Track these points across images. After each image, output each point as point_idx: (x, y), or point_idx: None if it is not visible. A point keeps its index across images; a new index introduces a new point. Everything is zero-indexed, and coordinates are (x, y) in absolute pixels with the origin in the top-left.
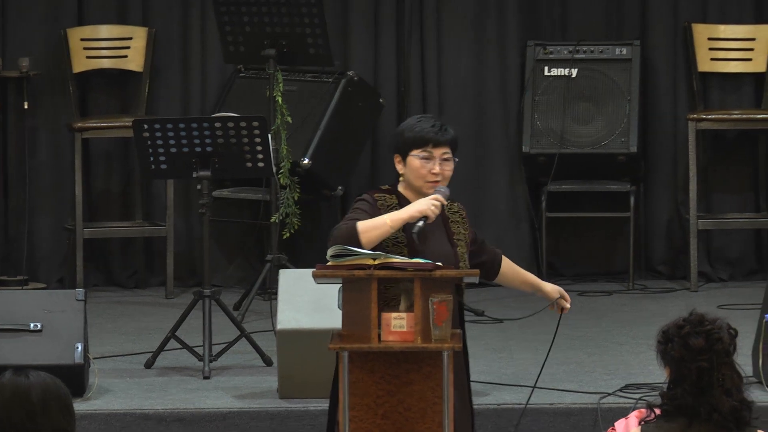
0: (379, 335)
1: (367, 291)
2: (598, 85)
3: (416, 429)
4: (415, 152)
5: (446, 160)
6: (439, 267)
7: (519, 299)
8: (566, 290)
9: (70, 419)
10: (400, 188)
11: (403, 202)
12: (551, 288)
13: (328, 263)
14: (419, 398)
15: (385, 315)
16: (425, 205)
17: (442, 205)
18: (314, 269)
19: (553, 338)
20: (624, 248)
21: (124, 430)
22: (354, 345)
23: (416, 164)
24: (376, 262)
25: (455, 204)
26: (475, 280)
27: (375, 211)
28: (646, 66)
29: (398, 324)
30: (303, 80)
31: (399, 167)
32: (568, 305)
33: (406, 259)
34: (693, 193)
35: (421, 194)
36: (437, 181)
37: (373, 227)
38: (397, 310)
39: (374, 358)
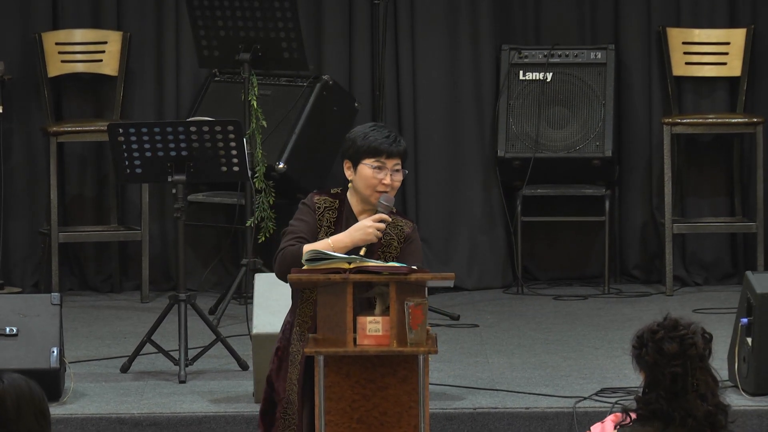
0: (354, 339)
1: (343, 295)
2: (572, 89)
3: None
4: (367, 161)
5: (397, 170)
6: (414, 270)
7: (494, 303)
8: (541, 294)
9: (45, 423)
10: (349, 193)
11: (343, 207)
12: None
13: (304, 267)
14: (395, 402)
15: (360, 319)
16: (370, 235)
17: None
18: (290, 273)
19: None
20: (599, 252)
21: None
22: (329, 349)
23: (368, 173)
24: (352, 266)
25: (403, 221)
26: (450, 283)
27: (313, 217)
28: (621, 70)
29: (374, 328)
30: (278, 84)
31: (348, 173)
32: None
33: (381, 263)
34: (668, 197)
35: (366, 202)
36: (386, 191)
37: None
38: (372, 314)
39: (350, 362)
